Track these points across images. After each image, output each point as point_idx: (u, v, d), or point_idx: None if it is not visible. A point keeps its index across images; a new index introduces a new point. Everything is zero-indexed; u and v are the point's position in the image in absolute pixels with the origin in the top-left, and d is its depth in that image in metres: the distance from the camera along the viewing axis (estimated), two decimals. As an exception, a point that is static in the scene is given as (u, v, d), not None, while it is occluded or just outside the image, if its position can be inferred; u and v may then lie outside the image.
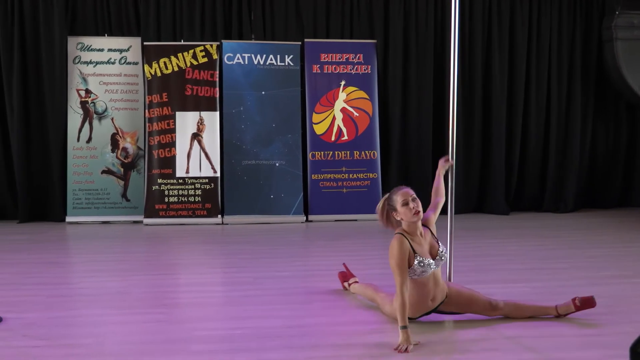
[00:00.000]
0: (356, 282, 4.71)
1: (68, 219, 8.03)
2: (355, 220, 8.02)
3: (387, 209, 4.03)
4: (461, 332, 3.96)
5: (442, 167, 4.46)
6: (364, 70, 8.35)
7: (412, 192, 3.99)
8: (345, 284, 4.80)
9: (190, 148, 8.08)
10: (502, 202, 8.65)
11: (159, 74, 8.09)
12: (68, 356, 3.56)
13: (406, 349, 3.57)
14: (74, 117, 8.12)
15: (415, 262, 3.87)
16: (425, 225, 4.09)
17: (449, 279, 4.45)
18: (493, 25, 8.56)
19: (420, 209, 3.96)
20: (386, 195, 4.08)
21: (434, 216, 4.25)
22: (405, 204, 3.93)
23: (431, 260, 3.94)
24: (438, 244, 4.06)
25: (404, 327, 3.65)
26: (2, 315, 4.25)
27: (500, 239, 6.99)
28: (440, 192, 4.41)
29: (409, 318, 3.79)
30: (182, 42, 8.18)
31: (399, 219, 3.97)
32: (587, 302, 4.11)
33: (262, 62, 8.21)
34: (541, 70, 8.71)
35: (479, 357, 3.53)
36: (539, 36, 8.68)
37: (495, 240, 6.92)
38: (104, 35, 8.23)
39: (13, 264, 5.88)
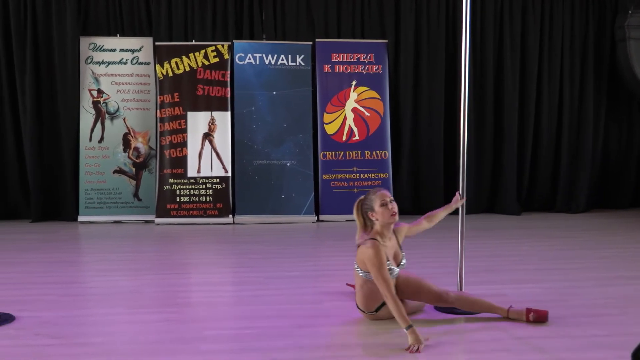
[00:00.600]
0: None
1: (80, 218, 8.08)
2: (366, 220, 8.01)
3: (363, 209, 4.06)
4: (471, 333, 3.95)
5: (454, 203, 4.45)
6: (375, 70, 8.35)
7: (389, 194, 4.05)
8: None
9: (202, 148, 8.11)
10: (514, 202, 8.62)
11: (170, 74, 8.12)
12: (80, 355, 3.58)
13: (417, 348, 3.56)
14: (86, 117, 8.16)
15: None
16: (394, 232, 4.14)
17: (460, 281, 4.42)
18: (505, 24, 8.53)
19: (397, 210, 4.01)
20: (362, 197, 4.11)
21: (407, 230, 4.28)
22: (384, 204, 3.97)
23: (395, 268, 4.01)
24: (401, 251, 4.12)
25: (410, 327, 3.66)
26: (15, 313, 4.28)
27: (511, 239, 6.97)
28: (434, 220, 4.44)
29: (367, 312, 3.96)
30: (194, 42, 8.21)
31: (374, 219, 4.00)
32: (540, 318, 4.06)
33: (273, 62, 8.22)
34: (553, 69, 8.67)
35: (489, 357, 3.52)
36: (551, 35, 8.64)
37: (507, 241, 6.90)
38: (116, 36, 8.27)
39: (26, 263, 5.92)
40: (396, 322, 3.73)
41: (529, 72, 8.61)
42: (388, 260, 3.94)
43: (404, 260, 4.13)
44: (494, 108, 8.65)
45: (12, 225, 7.88)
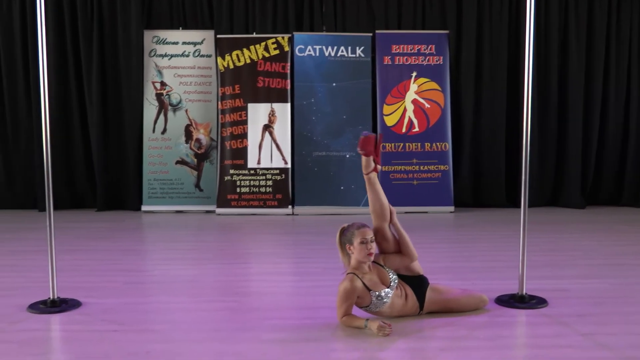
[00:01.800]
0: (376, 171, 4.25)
1: (143, 207, 8.26)
2: (426, 212, 7.96)
3: (342, 240, 3.99)
4: (534, 328, 3.89)
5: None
6: (436, 61, 8.26)
7: (371, 233, 3.95)
8: (372, 161, 4.21)
9: (262, 139, 8.17)
10: (578, 196, 8.42)
11: (231, 66, 8.20)
12: (143, 341, 3.66)
13: (387, 331, 3.67)
14: (150, 109, 8.32)
15: (373, 298, 3.86)
16: (374, 261, 4.02)
17: (521, 275, 4.34)
18: (570, 14, 8.31)
19: (374, 251, 3.93)
20: (346, 226, 4.03)
21: (386, 259, 4.07)
22: (363, 242, 3.89)
23: (387, 289, 3.91)
24: (385, 269, 4.01)
25: (366, 321, 3.75)
26: (81, 299, 4.41)
27: (575, 234, 6.81)
28: (404, 248, 4.12)
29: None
30: (254, 35, 8.27)
31: (350, 252, 3.95)
32: None
33: (333, 54, 8.21)
34: (621, 60, 8.40)
35: (552, 353, 3.45)
36: (618, 25, 8.37)
37: (570, 235, 6.74)
38: (179, 29, 8.40)
39: (92, 250, 6.08)
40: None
41: (595, 62, 8.36)
42: (375, 292, 3.85)
43: (390, 274, 3.98)
44: (558, 100, 8.45)
45: (78, 214, 8.11)
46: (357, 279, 3.86)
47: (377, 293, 3.86)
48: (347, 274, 3.92)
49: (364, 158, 4.14)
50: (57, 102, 8.19)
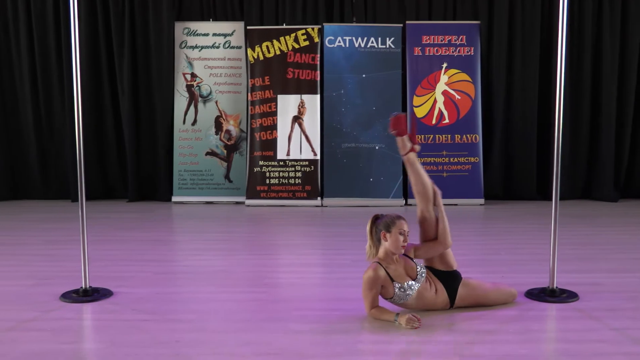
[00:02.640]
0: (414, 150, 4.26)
1: (174, 198, 8.33)
2: (456, 204, 7.92)
3: (379, 225, 3.93)
4: (565, 322, 3.85)
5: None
6: (467, 52, 8.19)
7: (408, 226, 3.93)
8: (407, 141, 4.24)
9: (291, 131, 8.18)
10: (611, 189, 8.30)
11: (261, 57, 8.22)
12: (173, 331, 3.70)
13: (417, 325, 3.65)
14: (180, 100, 8.38)
15: (395, 289, 3.84)
16: (404, 253, 4.02)
17: (552, 269, 4.29)
18: (604, 4, 8.16)
19: (406, 245, 3.93)
20: (380, 214, 4.01)
21: (417, 250, 4.07)
22: (402, 233, 3.88)
23: (412, 282, 3.88)
24: (414, 262, 3.98)
25: (396, 316, 3.72)
26: (113, 289, 4.47)
27: (608, 227, 6.72)
28: (442, 235, 4.07)
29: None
30: (284, 26, 8.27)
31: (384, 240, 3.90)
32: None
33: (363, 45, 8.19)
34: (657, 49, 8.25)
35: (583, 347, 3.42)
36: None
37: (603, 228, 6.65)
38: (209, 20, 8.44)
39: (123, 241, 6.16)
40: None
41: (629, 53, 8.21)
42: (398, 284, 3.85)
43: (419, 267, 3.97)
44: (591, 91, 8.33)
45: (110, 205, 8.21)
46: (381, 268, 3.86)
47: (399, 284, 3.85)
48: (372, 262, 3.91)
49: (398, 139, 4.14)
50: (89, 94, 8.29)
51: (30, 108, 8.45)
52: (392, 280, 3.85)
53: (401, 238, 3.86)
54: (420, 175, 4.09)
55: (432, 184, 4.11)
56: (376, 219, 3.99)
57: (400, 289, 3.85)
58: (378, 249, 3.96)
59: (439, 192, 4.12)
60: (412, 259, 4.00)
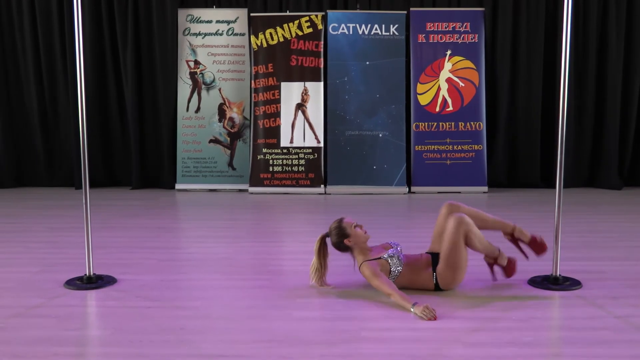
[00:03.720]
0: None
1: (177, 186, 8.34)
2: (459, 192, 7.91)
3: (337, 238, 4.14)
4: (568, 310, 3.86)
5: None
6: (471, 39, 8.16)
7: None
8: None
9: (295, 118, 8.18)
10: (615, 177, 8.28)
11: (264, 44, 8.20)
12: (178, 318, 3.72)
13: (433, 316, 3.66)
14: (184, 87, 8.37)
15: (388, 260, 4.08)
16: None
17: (556, 256, 4.29)
18: (610, -10, 8.13)
19: (364, 229, 4.20)
20: (324, 233, 4.26)
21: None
22: (355, 226, 4.14)
23: (389, 250, 4.14)
24: (387, 244, 4.25)
25: (414, 305, 3.75)
26: (117, 276, 4.49)
27: (612, 215, 6.71)
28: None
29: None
30: (288, 13, 8.25)
31: (351, 244, 4.11)
32: (540, 247, 4.26)
33: (367, 32, 8.16)
34: (663, 33, 8.20)
35: (587, 335, 3.42)
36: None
37: (607, 216, 6.65)
38: (212, 7, 8.41)
39: (127, 228, 6.17)
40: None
41: (635, 39, 8.16)
42: (380, 257, 4.08)
43: (387, 243, 4.27)
44: (595, 78, 8.29)
45: (114, 192, 8.22)
46: (368, 261, 4.05)
47: (385, 255, 4.07)
48: (363, 263, 4.06)
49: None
50: (93, 81, 8.29)
51: (35, 96, 8.45)
52: (380, 258, 4.07)
53: (358, 229, 4.13)
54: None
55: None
56: (324, 238, 4.22)
57: (390, 257, 4.08)
58: (354, 254, 4.17)
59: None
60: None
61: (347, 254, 4.24)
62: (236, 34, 8.38)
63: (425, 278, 4.11)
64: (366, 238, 4.14)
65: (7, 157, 8.52)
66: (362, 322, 3.66)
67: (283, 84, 8.18)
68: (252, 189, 8.13)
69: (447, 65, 8.15)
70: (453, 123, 8.14)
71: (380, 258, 4.07)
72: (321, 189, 8.06)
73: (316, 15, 8.16)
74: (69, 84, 8.31)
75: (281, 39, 8.18)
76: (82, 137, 4.33)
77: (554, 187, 4.36)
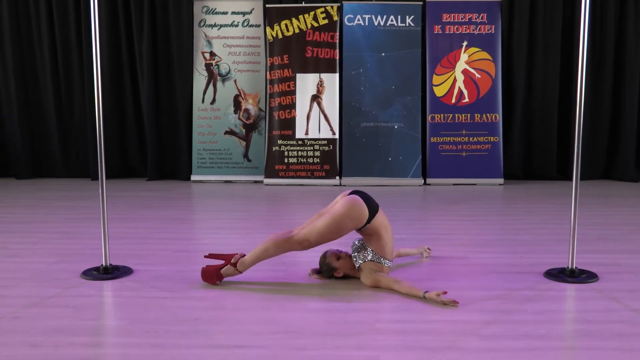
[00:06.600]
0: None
1: (193, 177, 8.37)
2: (475, 184, 7.88)
3: (329, 275, 4.21)
4: (584, 303, 3.83)
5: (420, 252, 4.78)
6: (487, 30, 8.10)
7: (331, 251, 4.26)
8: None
9: (310, 110, 8.17)
10: (632, 168, 8.22)
11: (280, 36, 8.19)
12: (195, 308, 3.73)
13: (452, 301, 3.70)
14: (199, 79, 8.38)
15: (375, 259, 4.10)
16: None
17: (572, 249, 4.26)
18: (628, -19, 8.04)
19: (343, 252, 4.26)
20: (317, 269, 4.31)
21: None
22: (339, 258, 4.19)
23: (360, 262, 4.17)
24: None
25: (424, 295, 3.77)
26: (133, 267, 4.51)
27: (629, 208, 6.66)
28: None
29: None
30: (303, 4, 8.23)
31: (341, 275, 4.19)
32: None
33: (382, 23, 8.13)
34: (681, 27, 8.11)
35: (603, 328, 3.40)
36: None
37: (624, 209, 6.59)
38: (228, -1, 8.42)
39: (143, 219, 6.20)
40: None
41: (654, 30, 8.10)
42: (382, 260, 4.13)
43: (345, 252, 4.30)
44: (613, 69, 8.21)
45: (130, 184, 8.26)
46: (370, 271, 4.09)
47: (360, 261, 4.13)
48: (362, 275, 4.11)
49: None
50: (109, 73, 8.33)
51: (51, 87, 8.51)
52: (373, 260, 4.12)
53: (341, 256, 4.20)
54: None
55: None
56: (316, 272, 4.31)
57: (375, 256, 4.12)
58: (352, 276, 4.23)
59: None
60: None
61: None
62: (251, 26, 8.38)
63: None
64: (351, 263, 4.17)
65: (24, 149, 8.59)
66: (376, 314, 3.65)
67: (298, 76, 8.17)
68: (267, 181, 8.14)
69: (463, 57, 8.11)
70: (469, 115, 8.10)
71: (360, 266, 4.12)
72: (336, 180, 8.06)
73: (332, 7, 8.14)
74: (85, 76, 8.36)
75: (296, 30, 8.17)
76: (99, 128, 4.35)
77: (571, 179, 4.33)
